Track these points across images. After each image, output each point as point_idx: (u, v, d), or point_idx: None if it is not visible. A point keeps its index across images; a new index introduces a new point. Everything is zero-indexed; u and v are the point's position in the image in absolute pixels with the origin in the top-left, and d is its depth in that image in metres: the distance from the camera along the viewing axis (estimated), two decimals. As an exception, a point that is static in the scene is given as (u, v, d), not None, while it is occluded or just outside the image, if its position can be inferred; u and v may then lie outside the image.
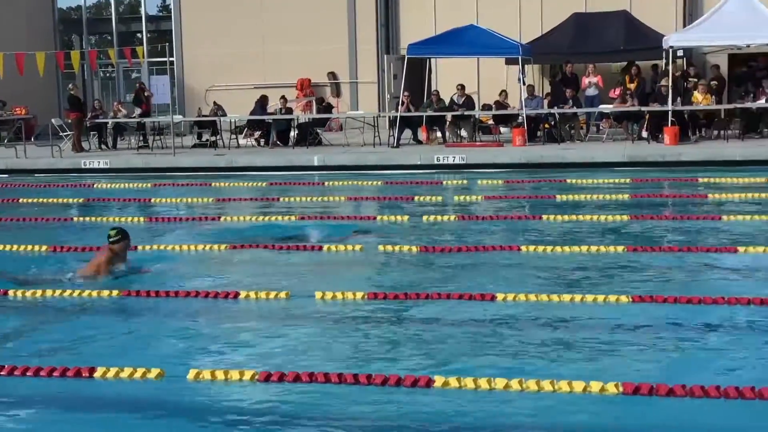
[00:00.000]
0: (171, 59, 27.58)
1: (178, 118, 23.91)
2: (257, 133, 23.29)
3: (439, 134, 22.49)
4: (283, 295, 8.40)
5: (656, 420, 5.39)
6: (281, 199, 15.39)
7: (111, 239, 9.16)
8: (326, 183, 17.33)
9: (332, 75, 28.22)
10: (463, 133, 22.36)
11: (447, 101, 22.39)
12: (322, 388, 5.95)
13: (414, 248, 10.42)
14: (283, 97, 23.35)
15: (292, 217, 13.17)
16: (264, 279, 9.17)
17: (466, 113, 22.00)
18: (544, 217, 12.34)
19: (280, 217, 13.35)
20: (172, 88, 28.67)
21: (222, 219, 13.23)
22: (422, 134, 22.34)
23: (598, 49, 23.64)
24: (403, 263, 9.97)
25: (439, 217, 12.75)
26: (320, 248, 10.52)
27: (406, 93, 21.86)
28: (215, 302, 8.32)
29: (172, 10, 29.64)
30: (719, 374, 6.07)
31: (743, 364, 6.39)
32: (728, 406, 5.48)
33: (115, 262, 9.22)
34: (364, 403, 5.75)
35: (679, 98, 20.66)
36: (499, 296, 8.02)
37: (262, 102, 23.26)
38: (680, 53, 22.51)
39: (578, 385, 5.71)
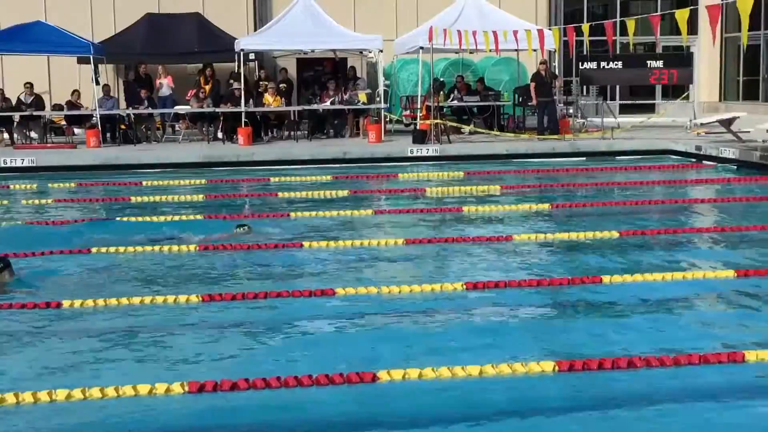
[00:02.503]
0: None
1: None
2: None
3: (6, 136, 21.23)
4: None
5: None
6: None
7: None
8: None
9: None
10: (33, 134, 21.31)
11: (14, 101, 21.19)
12: None
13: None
14: None
15: None
16: None
17: (35, 113, 20.98)
18: (118, 218, 12.14)
19: None
20: None
21: None
22: (-13, 135, 20.97)
23: (173, 51, 23.71)
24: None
25: (5, 223, 12.08)
26: None
27: (-34, 92, 20.39)
28: None
29: None
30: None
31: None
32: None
33: None
34: None
35: (251, 100, 21.34)
36: (66, 303, 7.76)
37: None
38: (252, 56, 23.27)
39: (143, 389, 5.69)
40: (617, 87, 28.49)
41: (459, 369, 6.00)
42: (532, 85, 21.31)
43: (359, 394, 5.79)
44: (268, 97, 21.50)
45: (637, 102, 28.77)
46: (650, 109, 27.29)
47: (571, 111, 23.27)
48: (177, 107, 22.22)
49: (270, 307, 7.88)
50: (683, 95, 24.13)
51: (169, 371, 6.19)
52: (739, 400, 5.84)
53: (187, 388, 5.70)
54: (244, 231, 10.71)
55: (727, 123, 19.56)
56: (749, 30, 15.40)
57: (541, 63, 21.51)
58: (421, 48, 21.26)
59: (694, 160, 18.54)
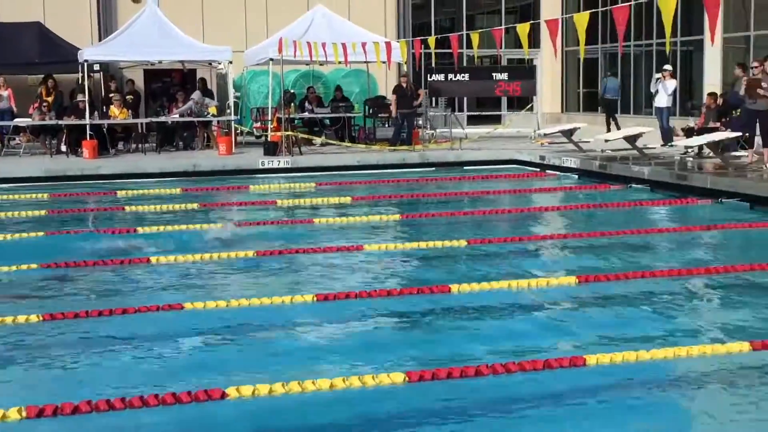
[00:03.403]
0: None
1: None
2: None
3: None
4: None
5: None
6: None
7: None
8: None
9: None
10: None
11: None
12: None
13: None
14: None
15: None
16: None
17: None
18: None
19: None
20: None
21: None
22: None
23: (12, 61, 22.80)
24: None
25: None
26: None
27: None
28: None
29: None
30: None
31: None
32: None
33: None
34: None
35: (96, 112, 20.75)
36: None
37: None
38: (97, 67, 22.66)
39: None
40: (465, 99, 29.16)
41: (309, 383, 5.96)
42: (394, 97, 21.52)
43: (206, 412, 5.69)
44: (114, 109, 20.97)
45: (483, 113, 29.49)
46: (496, 120, 28.02)
47: (420, 122, 23.62)
48: (17, 120, 21.37)
49: (115, 325, 7.65)
50: (527, 107, 24.86)
51: (5, 396, 5.93)
52: (582, 402, 6.03)
53: (25, 414, 5.46)
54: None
55: (568, 133, 20.27)
56: (588, 44, 16.00)
57: (402, 75, 21.79)
58: (271, 59, 21.19)
59: (537, 169, 19.12)
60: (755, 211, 13.23)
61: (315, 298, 8.25)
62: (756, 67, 15.88)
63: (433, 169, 19.48)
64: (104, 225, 13.06)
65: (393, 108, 21.43)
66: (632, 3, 13.08)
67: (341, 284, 9.08)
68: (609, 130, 22.48)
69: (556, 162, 18.67)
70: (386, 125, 23.49)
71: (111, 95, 21.75)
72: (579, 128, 20.59)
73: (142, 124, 21.63)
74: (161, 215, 13.80)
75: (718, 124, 17.90)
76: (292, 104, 21.70)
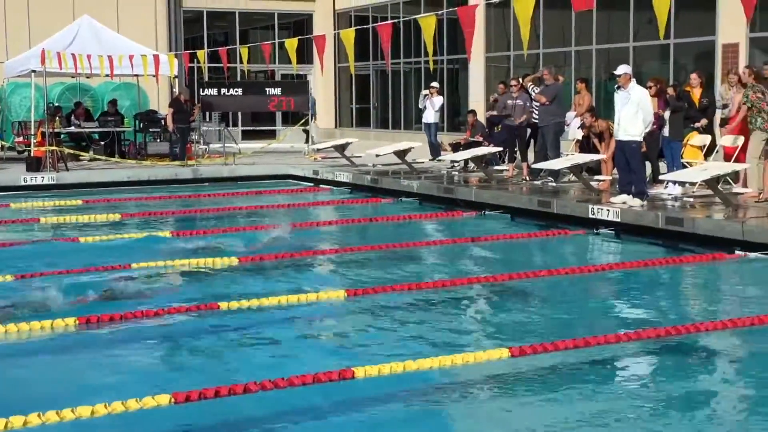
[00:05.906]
0: None
1: None
2: None
3: None
4: None
5: None
6: None
7: None
8: None
9: None
10: None
11: None
12: None
13: None
14: None
15: None
16: None
17: None
18: None
19: None
20: None
21: None
22: None
23: None
24: None
25: None
26: None
27: None
28: None
29: None
30: None
31: None
32: None
33: None
34: None
35: None
36: None
37: None
38: None
39: None
40: (239, 113, 29.02)
41: (69, 412, 5.69)
42: (170, 111, 21.03)
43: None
44: None
45: (258, 128, 29.45)
46: (271, 135, 28.06)
47: (194, 137, 23.27)
48: None
49: None
50: (301, 122, 25.03)
51: None
52: (352, 415, 6.11)
53: None
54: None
55: (341, 148, 20.57)
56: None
57: (181, 89, 21.38)
58: (34, 71, 20.26)
59: (311, 183, 19.28)
60: (515, 222, 13.91)
61: (77, 321, 7.91)
62: (514, 86, 16.69)
63: (207, 184, 19.23)
64: None
65: (169, 122, 20.97)
66: (395, 21, 13.50)
67: (106, 305, 8.75)
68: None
69: (330, 176, 18.90)
70: (158, 140, 22.97)
71: None
72: (351, 143, 20.94)
73: None
74: None
75: (481, 139, 18.70)
76: (58, 118, 20.82)
